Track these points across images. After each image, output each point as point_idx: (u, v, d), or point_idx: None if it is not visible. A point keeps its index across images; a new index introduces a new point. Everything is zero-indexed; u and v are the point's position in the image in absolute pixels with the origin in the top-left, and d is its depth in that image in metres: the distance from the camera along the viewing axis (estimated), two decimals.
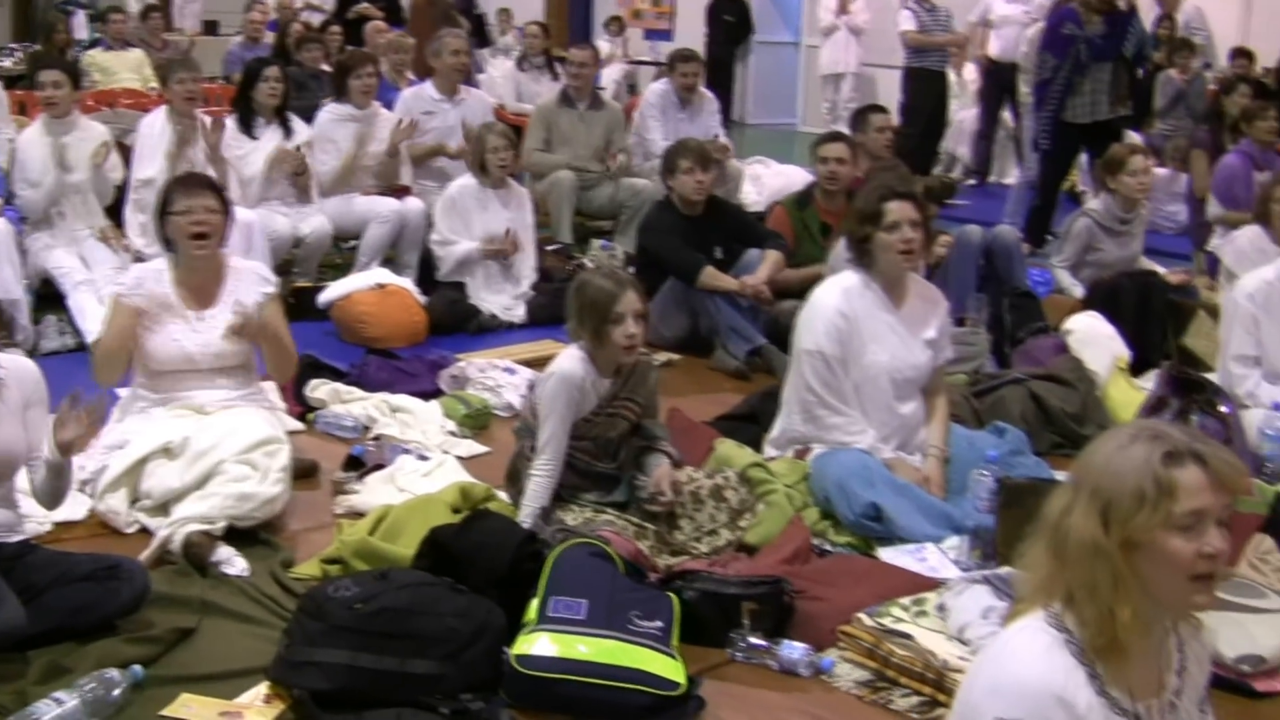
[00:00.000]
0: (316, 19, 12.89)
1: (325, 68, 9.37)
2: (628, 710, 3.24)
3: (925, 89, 11.36)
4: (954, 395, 4.96)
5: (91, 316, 6.07)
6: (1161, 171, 9.38)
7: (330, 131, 7.56)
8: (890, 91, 12.30)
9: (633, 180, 8.46)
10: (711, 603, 3.60)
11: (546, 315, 6.69)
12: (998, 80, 11.62)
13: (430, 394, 5.55)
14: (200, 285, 4.55)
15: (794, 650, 3.51)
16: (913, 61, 11.38)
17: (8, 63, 13.28)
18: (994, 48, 11.71)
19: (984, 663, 2.24)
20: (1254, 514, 3.88)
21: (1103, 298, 6.27)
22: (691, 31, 16.73)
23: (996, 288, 6.42)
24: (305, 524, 4.35)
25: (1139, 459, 2.10)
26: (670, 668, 3.31)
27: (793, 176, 9.32)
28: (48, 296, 6.55)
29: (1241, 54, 11.99)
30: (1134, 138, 9.37)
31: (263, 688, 3.29)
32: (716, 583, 3.67)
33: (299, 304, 6.62)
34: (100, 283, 6.30)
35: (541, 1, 18.29)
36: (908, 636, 3.41)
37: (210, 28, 15.77)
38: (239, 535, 4.08)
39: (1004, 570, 3.55)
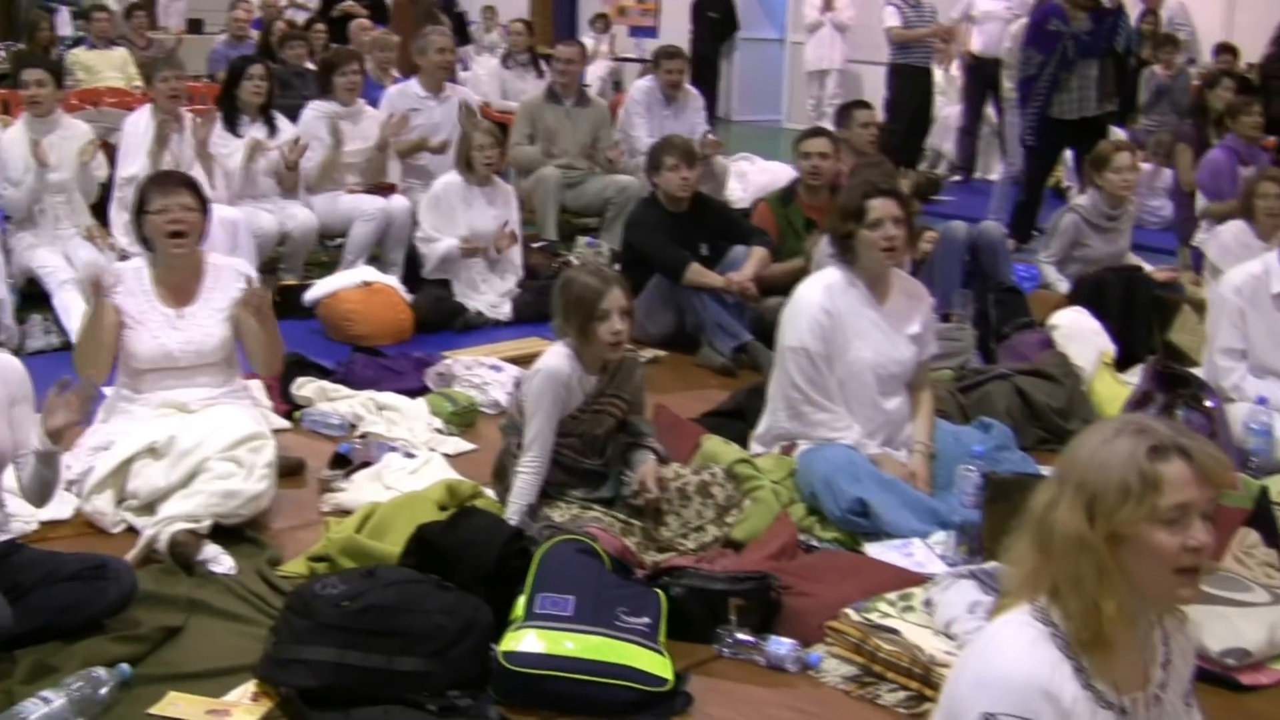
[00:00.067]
0: (301, 17, 12.86)
1: (310, 66, 9.35)
2: (615, 706, 3.24)
3: (910, 85, 11.37)
4: (939, 390, 4.98)
5: (77, 315, 6.05)
6: (1145, 167, 9.41)
7: (315, 129, 7.55)
8: (875, 88, 12.31)
9: (618, 177, 8.47)
10: (698, 599, 3.60)
11: (532, 312, 6.69)
12: (981, 76, 11.61)
13: (417, 391, 5.54)
14: (179, 283, 4.54)
15: (781, 646, 3.51)
16: (897, 58, 11.39)
17: None
18: (977, 43, 11.70)
19: (970, 657, 2.24)
20: (1239, 508, 3.89)
21: (1088, 293, 6.29)
22: (676, 28, 16.73)
23: (982, 283, 6.43)
24: (292, 522, 4.34)
25: (1124, 453, 2.11)
26: (657, 664, 3.32)
27: (778, 173, 9.31)
28: (33, 296, 6.53)
29: (1225, 49, 12.04)
30: (1118, 133, 9.39)
31: (250, 686, 3.28)
32: (703, 579, 3.67)
33: (285, 302, 6.60)
34: None
35: None
36: (894, 631, 3.42)
37: (195, 26, 15.71)
38: (226, 533, 4.07)
39: (990, 565, 3.56)
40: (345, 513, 4.31)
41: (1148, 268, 6.83)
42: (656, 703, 3.26)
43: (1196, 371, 5.15)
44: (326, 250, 7.84)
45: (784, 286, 5.10)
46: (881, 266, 4.52)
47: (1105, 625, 2.10)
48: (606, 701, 3.24)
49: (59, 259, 6.49)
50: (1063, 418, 5.21)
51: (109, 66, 11.67)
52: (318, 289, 6.69)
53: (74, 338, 5.90)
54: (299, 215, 7.27)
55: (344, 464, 4.72)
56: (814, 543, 4.23)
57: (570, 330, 4.11)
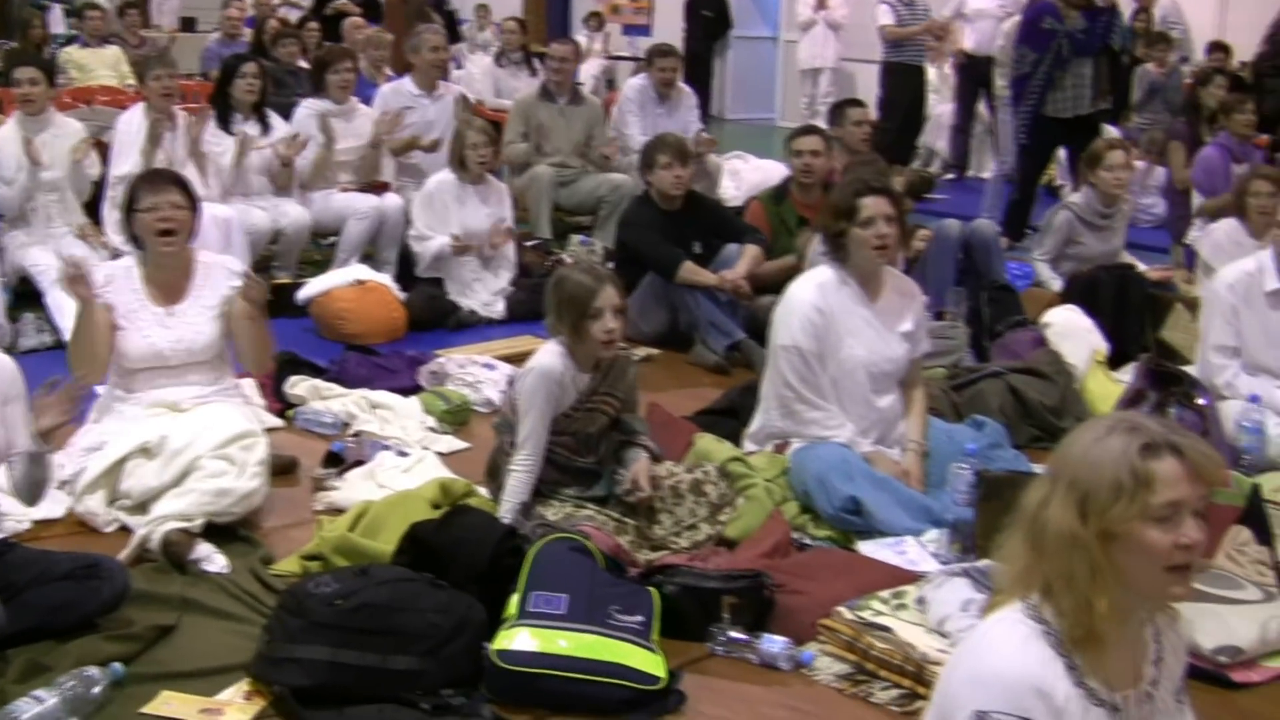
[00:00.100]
0: (294, 15, 12.86)
1: (303, 64, 9.34)
2: (608, 704, 3.24)
3: (903, 83, 11.37)
4: (932, 389, 4.98)
5: (70, 314, 6.01)
6: (1138, 165, 9.42)
7: (309, 127, 7.54)
8: (869, 86, 12.30)
9: (611, 175, 8.47)
10: (691, 597, 3.60)
11: (525, 311, 6.68)
12: (973, 74, 11.62)
13: (410, 390, 5.54)
14: (169, 281, 4.53)
15: (774, 644, 3.51)
16: (891, 56, 11.39)
17: None
18: (969, 41, 11.72)
19: (963, 655, 2.24)
20: (1231, 506, 3.89)
21: (1081, 291, 6.30)
22: (670, 27, 16.72)
23: (975, 281, 6.44)
24: (285, 520, 4.34)
25: (1116, 450, 2.11)
26: (651, 662, 3.32)
27: (771, 171, 9.31)
28: (25, 294, 6.52)
29: (1218, 47, 12.05)
30: (1112, 131, 9.40)
31: (243, 684, 3.28)
32: (696, 577, 3.67)
33: (278, 300, 6.56)
34: None
35: None
36: (887, 629, 3.42)
37: (188, 24, 15.71)
38: (218, 532, 4.07)
39: (983, 563, 3.55)
40: (338, 511, 4.31)
41: (1141, 266, 6.85)
42: (649, 701, 3.26)
43: (1189, 369, 5.17)
44: (319, 248, 7.82)
45: (777, 284, 5.10)
46: (874, 265, 4.53)
47: (1097, 623, 2.10)
48: (600, 700, 3.24)
49: (51, 257, 6.47)
50: (1055, 416, 5.22)
51: (102, 65, 11.64)
52: (311, 287, 6.69)
53: (66, 336, 5.91)
54: (292, 213, 7.27)
55: (337, 462, 4.71)
56: (807, 541, 4.23)
57: (563, 328, 4.11)
